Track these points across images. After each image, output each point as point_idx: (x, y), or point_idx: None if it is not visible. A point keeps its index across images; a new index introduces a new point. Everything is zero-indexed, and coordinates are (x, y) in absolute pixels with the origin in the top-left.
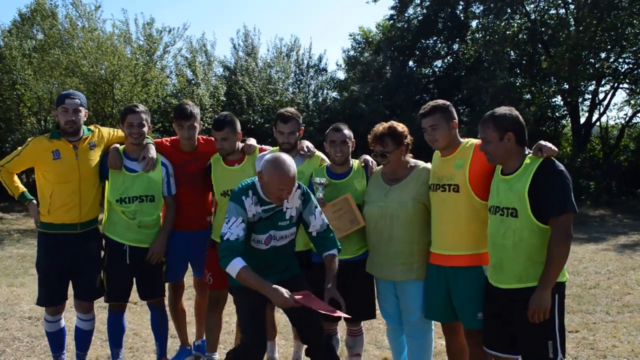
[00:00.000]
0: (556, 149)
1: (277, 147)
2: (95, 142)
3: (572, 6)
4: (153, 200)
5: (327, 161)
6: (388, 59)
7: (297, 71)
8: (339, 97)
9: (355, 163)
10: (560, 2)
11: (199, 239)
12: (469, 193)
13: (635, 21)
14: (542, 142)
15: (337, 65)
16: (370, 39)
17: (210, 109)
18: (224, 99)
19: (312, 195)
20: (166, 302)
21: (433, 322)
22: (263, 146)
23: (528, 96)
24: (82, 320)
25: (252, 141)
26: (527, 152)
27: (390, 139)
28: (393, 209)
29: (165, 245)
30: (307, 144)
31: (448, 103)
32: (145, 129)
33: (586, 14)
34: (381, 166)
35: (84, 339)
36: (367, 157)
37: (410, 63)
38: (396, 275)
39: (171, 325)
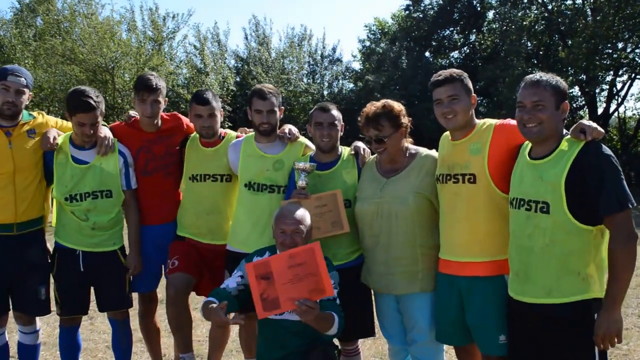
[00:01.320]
0: (603, 131)
1: (252, 134)
2: (36, 130)
3: None
4: (110, 196)
5: (313, 149)
6: (404, 49)
7: (311, 61)
8: (354, 88)
9: (344, 151)
10: None
11: (172, 233)
12: (488, 184)
13: None
14: (585, 122)
15: (353, 56)
16: (385, 30)
17: (220, 99)
18: (234, 89)
19: (334, 273)
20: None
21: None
22: (239, 132)
23: None
24: (24, 333)
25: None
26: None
27: (386, 120)
28: (390, 206)
29: (140, 256)
30: (290, 127)
31: (465, 74)
32: (99, 126)
33: (604, 3)
34: (375, 155)
35: (28, 355)
36: (360, 143)
37: (427, 54)
38: (397, 288)
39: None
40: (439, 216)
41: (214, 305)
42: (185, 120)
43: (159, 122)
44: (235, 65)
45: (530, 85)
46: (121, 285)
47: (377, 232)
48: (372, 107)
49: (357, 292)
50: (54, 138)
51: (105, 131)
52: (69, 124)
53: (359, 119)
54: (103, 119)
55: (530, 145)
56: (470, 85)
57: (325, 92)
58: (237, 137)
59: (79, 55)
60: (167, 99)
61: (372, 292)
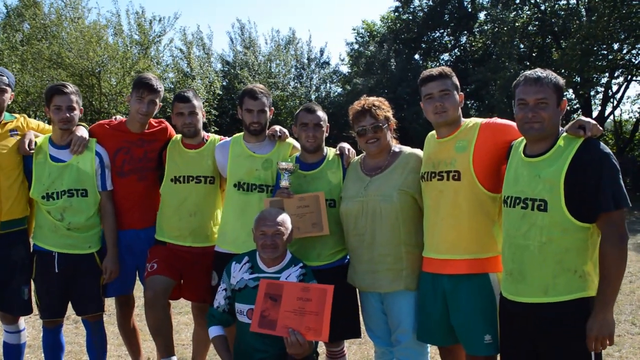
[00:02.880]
0: (601, 128)
1: (240, 134)
2: (18, 131)
3: None
4: (85, 195)
5: (300, 150)
6: (393, 51)
7: (298, 65)
8: (342, 92)
9: (329, 151)
10: None
11: (150, 238)
12: (472, 181)
13: None
14: (584, 118)
15: (341, 59)
16: (374, 33)
17: (206, 103)
18: (221, 93)
19: (313, 282)
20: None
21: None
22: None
23: None
24: (9, 332)
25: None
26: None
27: (381, 110)
28: (375, 204)
29: (117, 260)
30: (279, 127)
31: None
32: (76, 113)
33: (599, 2)
34: (359, 156)
35: (13, 354)
36: (344, 144)
37: (417, 56)
38: (381, 285)
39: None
40: (423, 215)
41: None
42: (171, 129)
43: (147, 125)
44: (222, 69)
45: (533, 82)
46: (96, 290)
47: (361, 230)
48: (362, 101)
49: (342, 293)
50: (30, 142)
51: (81, 131)
52: (50, 127)
53: (349, 114)
54: (88, 123)
55: (524, 143)
56: (458, 84)
57: (313, 96)
58: (221, 139)
59: (66, 60)
60: (161, 104)
61: (358, 294)
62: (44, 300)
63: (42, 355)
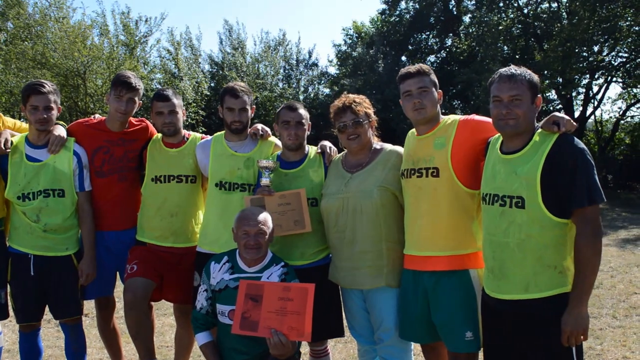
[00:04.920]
0: (575, 124)
1: (222, 133)
2: None
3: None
4: (62, 195)
5: (281, 148)
6: (380, 53)
7: (287, 66)
8: (330, 93)
9: (311, 150)
10: None
11: (130, 240)
12: (450, 177)
13: (627, 14)
14: (558, 114)
15: (329, 61)
16: (363, 34)
17: (194, 104)
18: (208, 94)
19: (295, 282)
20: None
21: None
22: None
23: None
24: None
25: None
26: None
27: (362, 107)
28: (355, 201)
29: (95, 263)
30: (261, 125)
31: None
32: (54, 113)
33: (579, 6)
34: (341, 154)
35: None
36: (326, 142)
37: (403, 58)
38: (362, 282)
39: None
40: (404, 212)
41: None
42: (152, 127)
43: (127, 124)
44: (210, 70)
45: (507, 79)
46: (73, 293)
47: (342, 227)
48: (343, 99)
49: (325, 292)
50: (6, 141)
51: (59, 130)
52: (27, 126)
53: (330, 111)
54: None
55: (500, 140)
56: (437, 81)
57: (301, 97)
58: (202, 137)
59: (50, 60)
60: (141, 102)
61: (341, 292)
62: (20, 304)
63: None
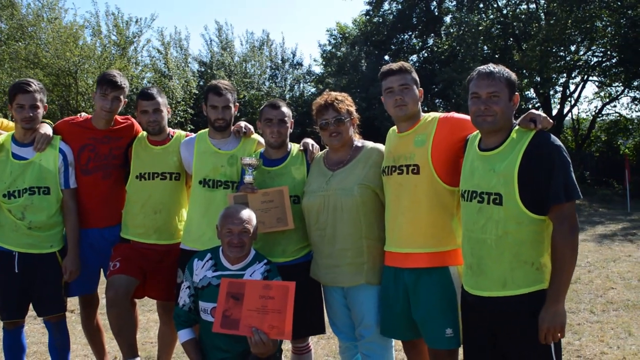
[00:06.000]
0: (552, 121)
1: (205, 131)
2: None
3: (542, 1)
4: (48, 193)
5: (265, 146)
6: (364, 53)
7: (273, 65)
8: (315, 91)
9: (293, 147)
10: None
11: (114, 237)
12: (430, 175)
13: (603, 15)
14: (535, 112)
15: (314, 60)
16: (346, 35)
17: (183, 102)
18: (197, 92)
19: (278, 279)
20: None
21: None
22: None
23: None
24: None
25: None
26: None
27: (343, 104)
28: (336, 198)
29: (79, 260)
30: (244, 123)
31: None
32: (40, 111)
33: (557, 7)
34: (323, 151)
35: None
36: (309, 140)
37: (386, 57)
38: (343, 280)
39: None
40: (385, 209)
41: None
42: (137, 125)
43: (112, 121)
44: (199, 69)
45: (485, 76)
46: (57, 290)
47: (323, 225)
48: (325, 96)
49: (307, 289)
50: (48, 136)
51: (45, 128)
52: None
53: (313, 108)
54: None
55: (479, 137)
56: (418, 79)
57: (287, 95)
58: (187, 135)
59: (42, 60)
60: (126, 100)
61: (322, 288)
62: (3, 301)
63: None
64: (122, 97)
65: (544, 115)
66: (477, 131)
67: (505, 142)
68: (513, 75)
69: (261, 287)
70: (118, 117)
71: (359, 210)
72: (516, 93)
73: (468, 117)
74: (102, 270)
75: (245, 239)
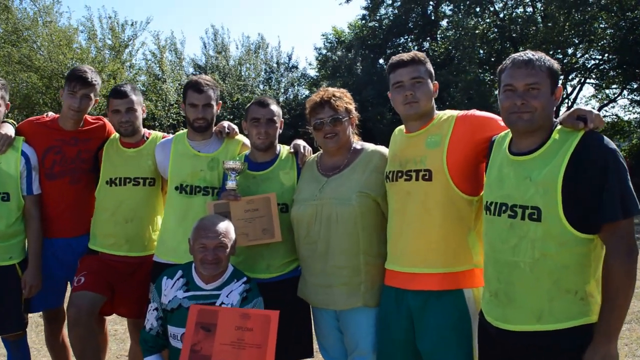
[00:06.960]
0: (604, 120)
1: (184, 132)
2: None
3: (539, 4)
4: (7, 200)
5: (250, 147)
6: (359, 56)
7: (268, 69)
8: (310, 94)
9: (283, 150)
10: (527, 0)
11: (83, 248)
12: (445, 181)
13: (601, 17)
14: (584, 107)
15: (309, 63)
16: (342, 39)
17: (176, 105)
18: None
19: (259, 300)
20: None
21: None
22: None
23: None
24: None
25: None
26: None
27: (341, 102)
28: (331, 208)
29: (40, 273)
30: (227, 123)
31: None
32: (1, 110)
33: (554, 10)
34: (316, 154)
35: None
36: (299, 141)
37: (381, 60)
38: (336, 302)
39: None
40: (387, 221)
41: None
42: (110, 126)
43: (82, 122)
44: (194, 72)
45: (523, 65)
46: (16, 306)
47: (314, 238)
48: (320, 93)
49: (294, 308)
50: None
51: (6, 128)
52: None
53: (306, 106)
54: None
55: (508, 138)
56: (433, 71)
57: (281, 98)
58: (163, 136)
59: (36, 62)
60: (97, 99)
61: (311, 308)
62: None
63: None
64: (92, 95)
65: (595, 112)
66: (504, 132)
67: (545, 144)
68: (556, 64)
69: (238, 316)
70: (88, 117)
71: (356, 222)
72: (559, 85)
73: (491, 115)
74: (69, 283)
75: (221, 254)
